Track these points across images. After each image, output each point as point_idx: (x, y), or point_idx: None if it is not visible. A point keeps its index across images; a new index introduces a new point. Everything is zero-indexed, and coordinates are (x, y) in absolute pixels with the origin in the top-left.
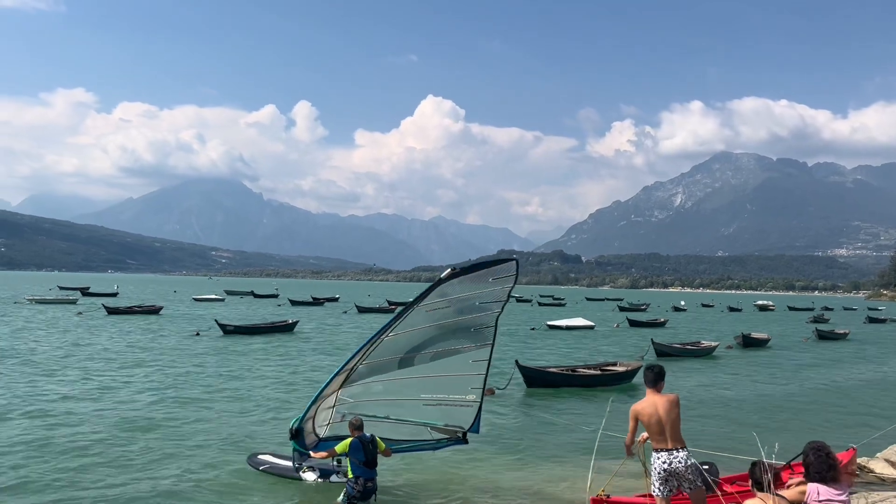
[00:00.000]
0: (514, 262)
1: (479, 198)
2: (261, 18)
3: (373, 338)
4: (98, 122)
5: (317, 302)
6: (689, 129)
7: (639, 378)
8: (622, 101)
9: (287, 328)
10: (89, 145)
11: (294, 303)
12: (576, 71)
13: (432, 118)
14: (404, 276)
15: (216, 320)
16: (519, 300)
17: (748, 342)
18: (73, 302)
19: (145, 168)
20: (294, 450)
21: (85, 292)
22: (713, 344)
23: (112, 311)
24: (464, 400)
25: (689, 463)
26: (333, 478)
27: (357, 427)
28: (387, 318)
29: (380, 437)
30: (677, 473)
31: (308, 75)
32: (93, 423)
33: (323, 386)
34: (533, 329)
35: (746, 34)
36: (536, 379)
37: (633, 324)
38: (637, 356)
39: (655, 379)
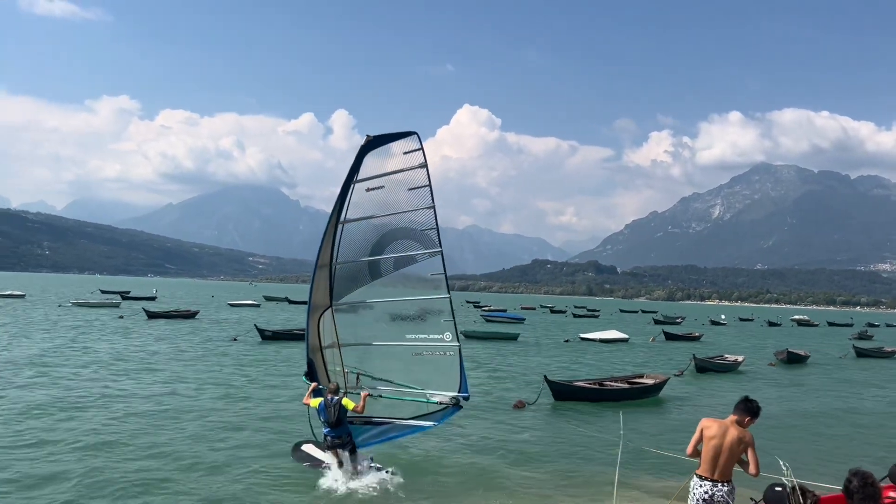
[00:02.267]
0: (414, 133)
1: (513, 207)
2: (300, 30)
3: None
4: (141, 128)
5: None
6: (727, 140)
7: (666, 392)
8: (659, 112)
9: None
10: (131, 152)
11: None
12: (613, 81)
13: (468, 127)
14: None
15: (255, 325)
16: (553, 311)
17: (792, 358)
18: (116, 306)
19: (185, 174)
20: (304, 381)
21: (125, 296)
22: (738, 358)
23: (152, 315)
24: (443, 341)
25: (730, 498)
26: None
27: (333, 391)
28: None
29: (391, 417)
30: None
31: (346, 85)
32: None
33: (310, 288)
34: (567, 341)
35: (786, 45)
36: (565, 392)
37: (669, 337)
38: (677, 371)
39: (746, 411)
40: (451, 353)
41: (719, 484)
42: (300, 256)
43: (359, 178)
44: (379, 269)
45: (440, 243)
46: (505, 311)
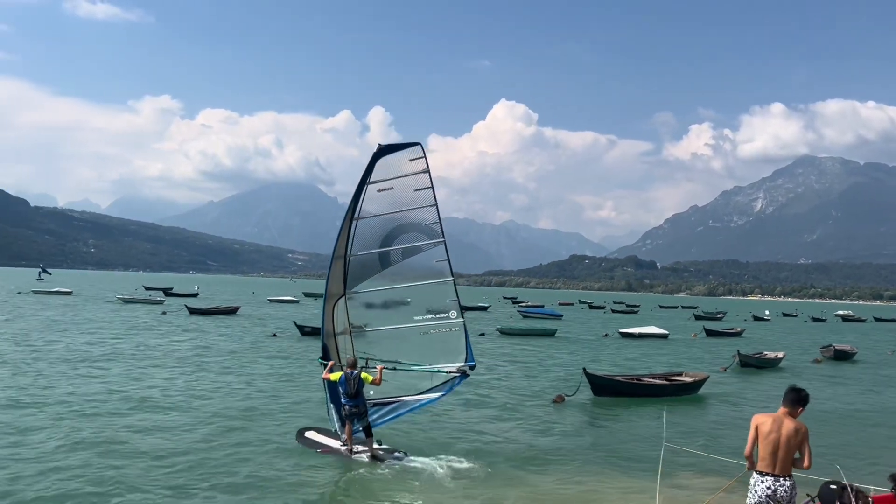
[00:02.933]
0: (418, 144)
1: (550, 202)
2: (337, 28)
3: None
4: (182, 128)
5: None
6: (769, 132)
7: (706, 389)
8: (700, 104)
9: None
10: (173, 151)
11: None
12: (652, 73)
13: (505, 122)
14: (475, 280)
15: (294, 322)
16: (591, 307)
17: (839, 356)
18: (161, 302)
19: (225, 173)
20: (320, 363)
21: (168, 292)
22: (779, 355)
23: (193, 312)
24: (448, 318)
25: (792, 494)
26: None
27: (350, 365)
28: None
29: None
30: (779, 503)
31: (382, 82)
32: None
33: (327, 277)
34: (606, 336)
35: (830, 34)
36: (604, 387)
37: (710, 333)
38: (720, 367)
39: (796, 401)
40: (457, 328)
41: (781, 479)
42: None
43: (371, 180)
44: (389, 258)
45: (443, 234)
46: (542, 307)
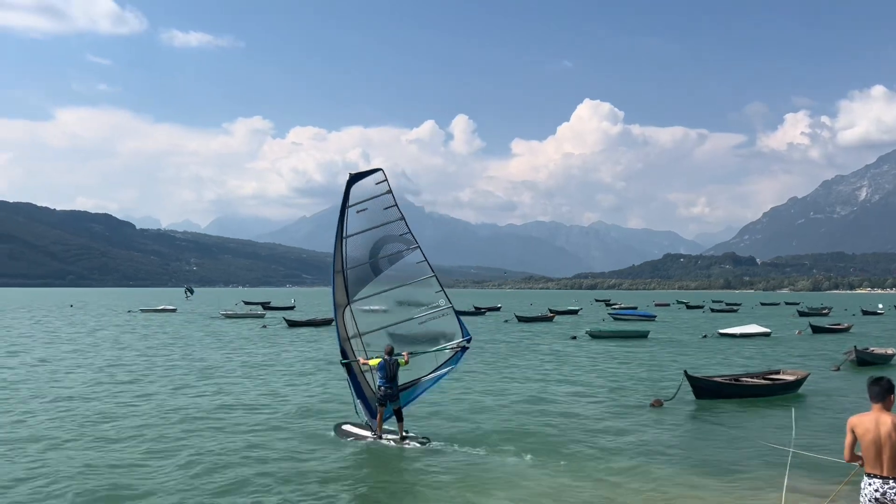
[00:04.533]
0: (380, 169)
1: (640, 201)
2: (418, 39)
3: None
4: (274, 147)
5: (479, 312)
6: (871, 116)
7: (806, 388)
8: (794, 93)
9: None
10: (266, 169)
11: (457, 313)
12: (740, 64)
13: (589, 122)
14: (565, 284)
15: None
16: (689, 307)
17: None
18: (261, 316)
19: (316, 188)
20: (341, 363)
21: (266, 306)
22: (888, 351)
23: (292, 324)
24: (440, 308)
25: None
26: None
27: (388, 353)
28: (546, 325)
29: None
30: None
31: (464, 90)
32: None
33: (332, 290)
34: (704, 336)
35: None
36: (706, 390)
37: (817, 330)
38: (833, 366)
39: (883, 393)
40: (447, 313)
41: (891, 481)
42: None
43: (349, 204)
44: (378, 267)
45: (416, 240)
46: (636, 308)
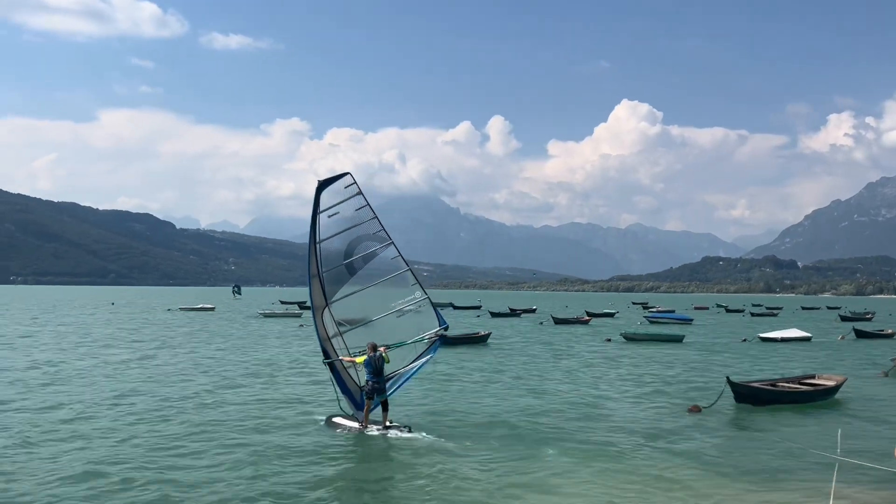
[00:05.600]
0: (348, 173)
1: (679, 203)
2: (454, 40)
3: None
4: (311, 148)
5: (514, 313)
6: None
7: (843, 393)
8: (837, 93)
9: (480, 340)
10: (304, 170)
11: (493, 314)
12: (783, 63)
13: (627, 123)
14: (601, 286)
15: None
16: (728, 310)
17: None
18: (298, 315)
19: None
20: (324, 362)
21: (302, 306)
22: None
23: None
24: (416, 300)
25: None
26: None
27: (372, 349)
28: (582, 328)
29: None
30: None
31: (500, 91)
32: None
33: (309, 293)
34: (744, 340)
35: None
36: (748, 395)
37: (861, 335)
38: (880, 372)
39: None
40: (423, 304)
41: None
42: (462, 263)
43: (320, 210)
44: (353, 267)
45: (389, 237)
46: (673, 311)
